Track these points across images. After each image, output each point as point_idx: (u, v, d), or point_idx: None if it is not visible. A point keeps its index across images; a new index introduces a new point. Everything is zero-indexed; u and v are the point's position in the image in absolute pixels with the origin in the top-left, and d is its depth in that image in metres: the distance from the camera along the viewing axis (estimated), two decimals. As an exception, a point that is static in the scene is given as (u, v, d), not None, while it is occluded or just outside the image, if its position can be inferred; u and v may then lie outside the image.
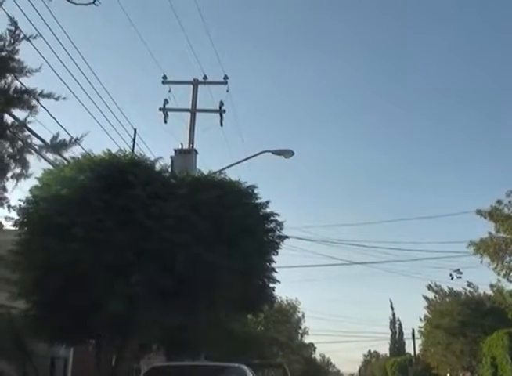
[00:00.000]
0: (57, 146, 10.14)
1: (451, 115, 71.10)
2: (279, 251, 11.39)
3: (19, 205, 9.97)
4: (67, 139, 10.14)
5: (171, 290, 9.15)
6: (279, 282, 11.79)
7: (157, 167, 10.69)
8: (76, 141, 10.11)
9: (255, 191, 10.86)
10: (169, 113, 17.92)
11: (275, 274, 11.54)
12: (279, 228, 11.00)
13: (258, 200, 10.88)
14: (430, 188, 74.56)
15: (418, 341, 45.12)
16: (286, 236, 11.47)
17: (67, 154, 10.54)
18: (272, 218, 10.90)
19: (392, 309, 71.62)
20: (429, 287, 37.54)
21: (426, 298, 38.09)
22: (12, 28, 8.73)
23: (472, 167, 66.79)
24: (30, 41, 8.90)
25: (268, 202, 10.96)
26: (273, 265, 11.43)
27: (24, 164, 9.89)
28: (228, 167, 15.69)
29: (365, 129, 73.80)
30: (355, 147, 71.98)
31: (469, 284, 33.84)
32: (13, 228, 10.20)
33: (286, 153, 17.43)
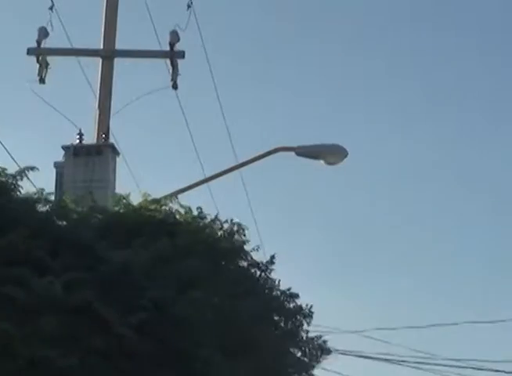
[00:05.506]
0: None
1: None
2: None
3: None
4: None
5: None
6: None
7: (23, 189, 9.34)
8: None
9: (250, 242, 9.70)
10: (50, 59, 14.43)
11: None
12: (306, 330, 10.41)
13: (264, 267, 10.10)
14: None
15: None
16: (329, 351, 11.06)
17: None
18: (291, 304, 10.05)
19: None
20: None
21: None
22: None
23: None
24: None
25: (271, 262, 10.39)
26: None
27: None
28: (189, 188, 13.62)
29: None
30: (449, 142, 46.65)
31: None
32: None
33: (330, 155, 14.34)
